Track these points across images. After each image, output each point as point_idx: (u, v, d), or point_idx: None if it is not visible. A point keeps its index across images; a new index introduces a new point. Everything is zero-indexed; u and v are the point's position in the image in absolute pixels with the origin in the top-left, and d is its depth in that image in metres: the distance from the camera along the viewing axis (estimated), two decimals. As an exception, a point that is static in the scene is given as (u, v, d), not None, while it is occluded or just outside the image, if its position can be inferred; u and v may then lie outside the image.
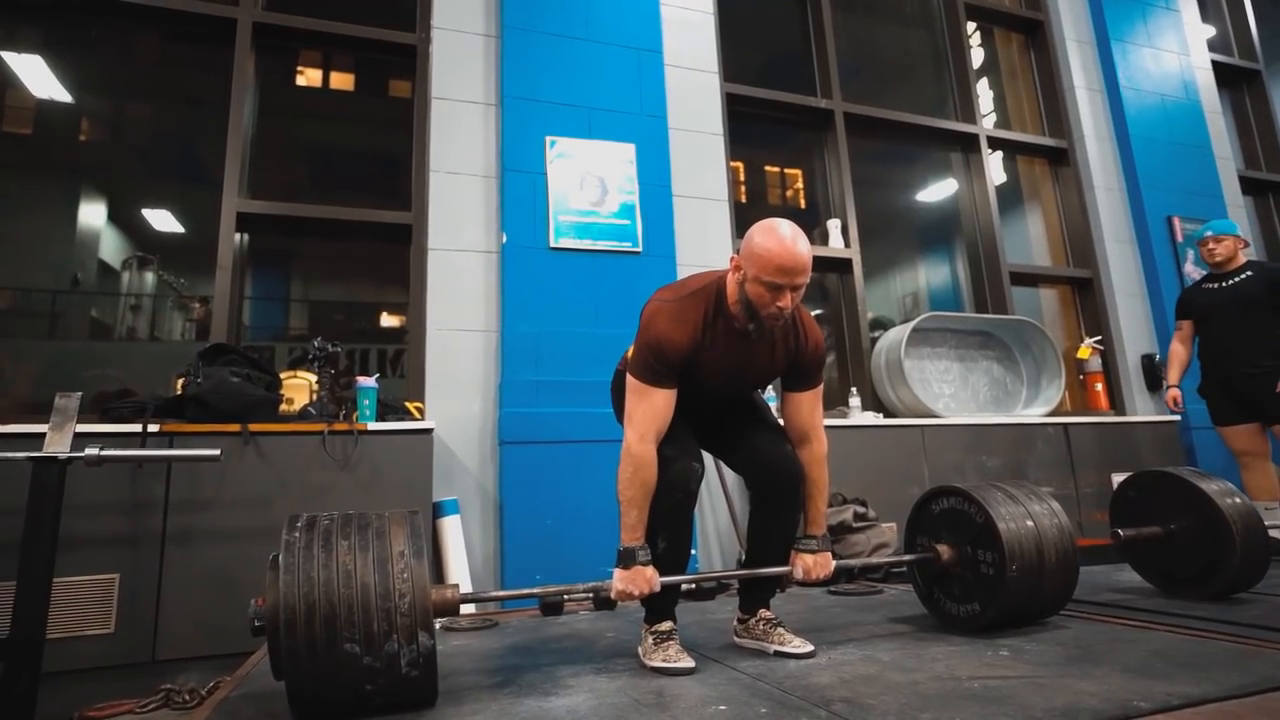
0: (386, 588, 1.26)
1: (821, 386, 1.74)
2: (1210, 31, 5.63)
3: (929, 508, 1.95)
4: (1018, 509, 1.77)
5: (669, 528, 1.61)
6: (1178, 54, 4.89)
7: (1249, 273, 3.38)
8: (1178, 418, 4.07)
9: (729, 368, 1.65)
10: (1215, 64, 5.26)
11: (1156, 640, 1.64)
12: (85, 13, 3.05)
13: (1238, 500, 2.01)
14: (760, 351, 1.65)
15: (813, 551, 1.69)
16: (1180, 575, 2.11)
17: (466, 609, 2.58)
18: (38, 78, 3.08)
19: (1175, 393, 3.59)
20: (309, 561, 1.27)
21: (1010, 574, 1.67)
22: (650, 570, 1.55)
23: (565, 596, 1.59)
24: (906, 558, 1.91)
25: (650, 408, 1.56)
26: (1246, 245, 3.53)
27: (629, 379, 1.60)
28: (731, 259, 1.60)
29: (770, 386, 2.51)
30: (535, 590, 1.60)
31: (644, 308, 1.63)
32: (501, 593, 1.69)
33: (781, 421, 1.77)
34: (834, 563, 1.72)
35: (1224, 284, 3.44)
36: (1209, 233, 3.49)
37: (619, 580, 1.54)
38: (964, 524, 1.82)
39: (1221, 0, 5.90)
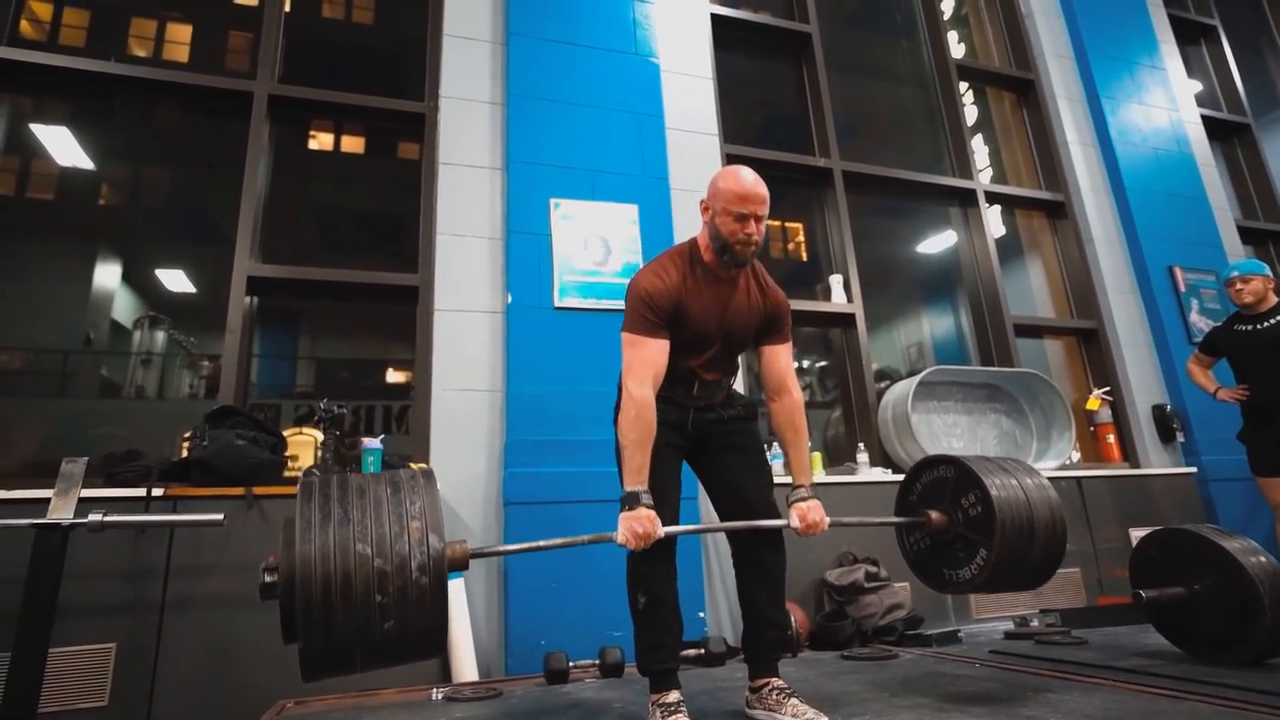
0: (398, 498, 1.34)
1: (790, 342, 1.89)
2: (1197, 86, 5.77)
3: (908, 498, 1.98)
4: (991, 463, 1.82)
5: (647, 580, 1.66)
6: (1167, 109, 5.01)
7: None
8: (1194, 470, 4.01)
9: (714, 312, 1.77)
10: (1205, 118, 5.37)
11: (1190, 712, 1.57)
12: (111, 85, 3.17)
13: (1263, 559, 1.96)
14: (737, 297, 1.80)
15: (804, 500, 1.73)
16: (1207, 639, 2.04)
17: (469, 675, 2.50)
18: (63, 148, 3.20)
19: (1225, 392, 3.41)
20: (326, 502, 1.32)
21: (994, 494, 1.70)
22: (654, 514, 1.57)
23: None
24: (896, 521, 1.92)
25: (646, 356, 1.69)
26: (1276, 285, 3.37)
27: (624, 337, 1.73)
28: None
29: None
30: (542, 543, 1.60)
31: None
32: (509, 546, 1.63)
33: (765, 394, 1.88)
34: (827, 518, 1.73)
35: (1260, 326, 3.30)
36: (1235, 273, 3.37)
37: (623, 522, 1.56)
38: (942, 487, 1.86)
39: (1205, 57, 6.08)
